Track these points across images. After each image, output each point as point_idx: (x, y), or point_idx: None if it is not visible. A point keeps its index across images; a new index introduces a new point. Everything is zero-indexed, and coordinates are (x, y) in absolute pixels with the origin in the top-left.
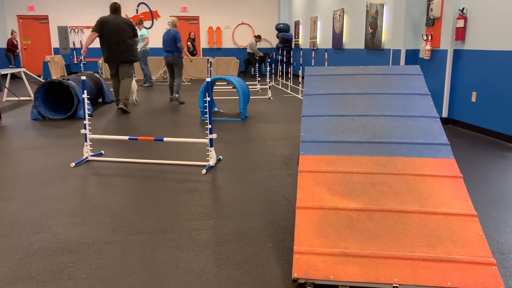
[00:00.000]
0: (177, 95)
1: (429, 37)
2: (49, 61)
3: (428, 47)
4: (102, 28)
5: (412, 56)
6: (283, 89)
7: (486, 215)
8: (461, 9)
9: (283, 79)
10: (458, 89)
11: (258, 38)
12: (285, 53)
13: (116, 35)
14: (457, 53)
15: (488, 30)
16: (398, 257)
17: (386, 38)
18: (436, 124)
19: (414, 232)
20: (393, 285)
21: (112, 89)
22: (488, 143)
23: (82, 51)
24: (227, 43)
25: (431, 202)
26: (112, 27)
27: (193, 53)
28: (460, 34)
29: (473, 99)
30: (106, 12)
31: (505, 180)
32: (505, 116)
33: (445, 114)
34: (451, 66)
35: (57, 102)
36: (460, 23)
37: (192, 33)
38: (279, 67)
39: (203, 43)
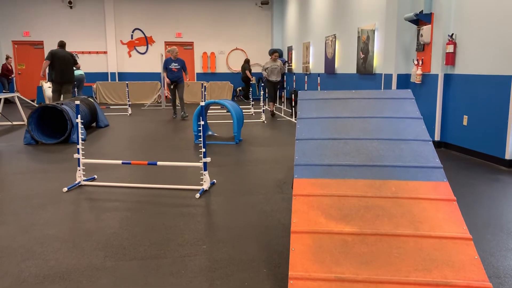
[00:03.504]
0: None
1: (420, 62)
2: (43, 86)
3: (419, 71)
4: (52, 57)
5: (404, 81)
6: (277, 112)
7: (481, 238)
8: (450, 34)
9: (276, 103)
10: (450, 113)
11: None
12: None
13: (63, 63)
14: (447, 78)
15: (477, 55)
16: (394, 281)
17: (378, 63)
18: (428, 147)
19: (410, 256)
20: None
21: (50, 100)
22: (481, 166)
23: (41, 74)
24: (221, 68)
25: (425, 225)
26: (60, 57)
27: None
28: (450, 59)
29: (465, 122)
30: (100, 36)
31: (499, 203)
32: (496, 139)
33: (437, 137)
34: (442, 90)
35: (50, 126)
36: (450, 48)
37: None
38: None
39: (198, 68)
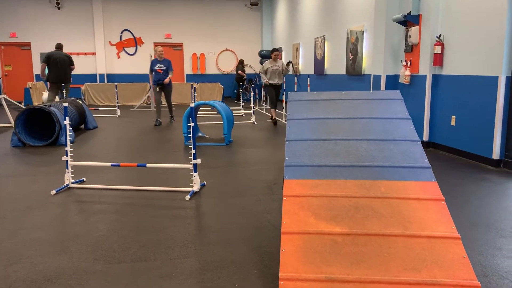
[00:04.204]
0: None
1: (408, 63)
2: (30, 87)
3: (408, 72)
4: (48, 60)
5: (392, 81)
6: (267, 113)
7: (470, 237)
8: (438, 35)
9: (266, 104)
10: (438, 113)
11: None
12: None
13: (59, 64)
14: (435, 78)
15: (464, 56)
16: (384, 281)
17: (367, 64)
18: (417, 148)
19: (399, 256)
20: None
21: (47, 101)
22: (469, 165)
23: (41, 76)
24: (211, 69)
25: (415, 225)
26: (56, 58)
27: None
28: (438, 59)
29: (453, 122)
30: (88, 37)
31: (487, 202)
32: (483, 139)
33: (426, 137)
34: (431, 91)
35: (38, 129)
36: (438, 49)
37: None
38: (263, 93)
39: (187, 69)
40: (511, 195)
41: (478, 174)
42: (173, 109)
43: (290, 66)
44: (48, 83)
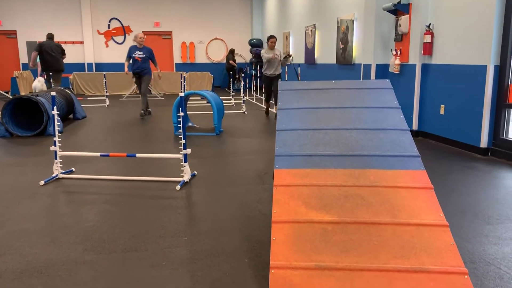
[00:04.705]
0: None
1: (398, 52)
2: (17, 76)
3: (397, 61)
4: (40, 48)
5: (382, 71)
6: (258, 103)
7: (457, 225)
8: (427, 25)
9: (257, 94)
10: (427, 102)
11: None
12: (258, 68)
13: (51, 53)
14: (425, 67)
15: (453, 45)
16: (373, 269)
17: (357, 53)
18: (406, 137)
19: (388, 244)
20: None
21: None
22: (457, 154)
23: (30, 64)
24: (200, 58)
25: (403, 213)
26: (48, 48)
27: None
28: (428, 49)
29: (442, 111)
30: (76, 26)
31: (474, 190)
32: (471, 128)
33: (415, 126)
34: (420, 80)
35: (25, 119)
36: (427, 38)
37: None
38: (253, 82)
39: (176, 58)
40: (498, 183)
41: (466, 162)
42: (147, 102)
43: (290, 59)
44: (38, 72)
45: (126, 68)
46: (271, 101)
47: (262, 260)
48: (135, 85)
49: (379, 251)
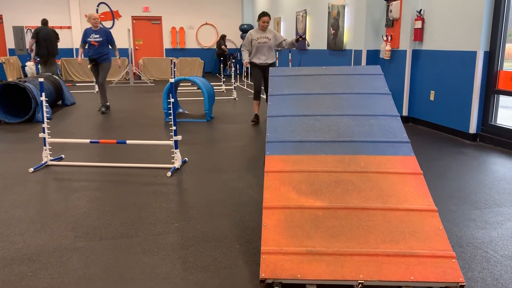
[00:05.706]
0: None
1: (389, 38)
2: (4, 62)
3: (388, 47)
4: (37, 35)
5: (373, 57)
6: (248, 89)
7: (446, 209)
8: (418, 10)
9: (248, 80)
10: (417, 88)
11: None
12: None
13: (47, 39)
14: (415, 53)
15: (443, 31)
16: (363, 253)
17: (348, 39)
18: (396, 123)
19: (378, 229)
20: (359, 281)
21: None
22: (446, 140)
23: (29, 50)
24: (190, 44)
25: (393, 198)
26: (44, 34)
27: None
28: (418, 34)
29: (432, 97)
30: (63, 11)
31: (463, 175)
32: (460, 114)
33: (405, 112)
34: (411, 66)
35: (13, 105)
36: (418, 24)
37: None
38: (244, 68)
39: (166, 43)
40: (486, 169)
41: (455, 148)
42: (106, 94)
43: (307, 44)
44: (32, 56)
45: (80, 55)
46: (262, 98)
47: (253, 246)
48: (125, 71)
49: (369, 236)
